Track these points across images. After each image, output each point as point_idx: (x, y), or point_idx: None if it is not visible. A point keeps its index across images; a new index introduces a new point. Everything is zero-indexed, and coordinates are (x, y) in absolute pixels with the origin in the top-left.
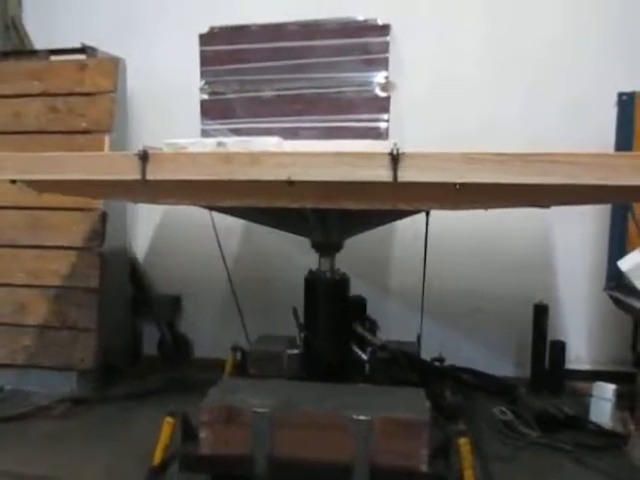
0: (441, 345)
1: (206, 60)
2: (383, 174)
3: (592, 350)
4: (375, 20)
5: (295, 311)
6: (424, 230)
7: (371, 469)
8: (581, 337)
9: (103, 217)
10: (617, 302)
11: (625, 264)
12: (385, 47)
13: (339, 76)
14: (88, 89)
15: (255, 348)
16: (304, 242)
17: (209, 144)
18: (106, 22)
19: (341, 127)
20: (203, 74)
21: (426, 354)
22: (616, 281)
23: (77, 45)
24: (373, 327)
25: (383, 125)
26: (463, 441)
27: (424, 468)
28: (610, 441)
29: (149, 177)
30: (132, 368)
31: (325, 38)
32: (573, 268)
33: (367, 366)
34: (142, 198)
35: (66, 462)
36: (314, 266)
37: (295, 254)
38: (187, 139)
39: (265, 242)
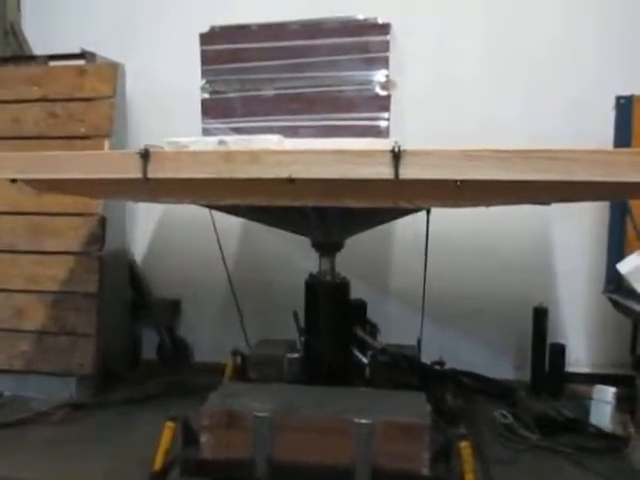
0: (441, 347)
1: (207, 59)
2: (384, 171)
3: (591, 353)
4: (375, 19)
5: (295, 315)
6: (424, 230)
7: (372, 473)
8: (580, 340)
9: (102, 222)
10: (616, 305)
11: (624, 267)
12: (385, 46)
13: (339, 75)
14: (87, 94)
15: (255, 352)
16: (304, 244)
17: (210, 143)
18: (105, 26)
19: (342, 126)
20: (204, 73)
21: (426, 356)
22: (615, 284)
23: (76, 50)
24: (373, 330)
25: (383, 124)
26: (464, 444)
27: (425, 471)
28: (610, 444)
29: (150, 175)
30: (131, 373)
31: (325, 37)
32: (572, 271)
33: (368, 370)
34: (143, 197)
35: (65, 468)
36: (314, 269)
37: (295, 257)
38: (188, 138)
39: (265, 245)
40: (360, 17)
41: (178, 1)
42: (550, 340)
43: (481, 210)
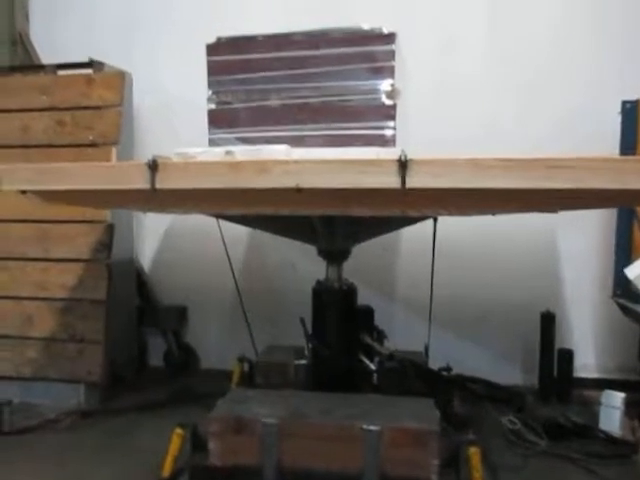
0: (448, 353)
1: (213, 70)
2: (391, 181)
3: (600, 358)
4: (380, 29)
5: (302, 321)
6: (431, 238)
7: (381, 479)
8: (588, 345)
9: (110, 229)
10: (624, 310)
11: (632, 272)
12: (391, 55)
13: (345, 84)
14: (95, 103)
15: (262, 359)
16: (311, 252)
17: (218, 153)
18: (112, 35)
19: (348, 135)
20: (210, 84)
21: (433, 362)
22: (623, 289)
23: (84, 59)
24: (381, 337)
25: (389, 132)
26: (473, 451)
27: (434, 478)
28: (619, 449)
29: (158, 186)
30: (138, 379)
31: (331, 47)
32: (580, 276)
33: (375, 376)
34: (151, 207)
35: (74, 475)
36: (321, 276)
37: (302, 264)
38: (196, 148)
39: (272, 252)
40: (365, 27)
41: (185, 12)
42: (558, 345)
43: (488, 217)
